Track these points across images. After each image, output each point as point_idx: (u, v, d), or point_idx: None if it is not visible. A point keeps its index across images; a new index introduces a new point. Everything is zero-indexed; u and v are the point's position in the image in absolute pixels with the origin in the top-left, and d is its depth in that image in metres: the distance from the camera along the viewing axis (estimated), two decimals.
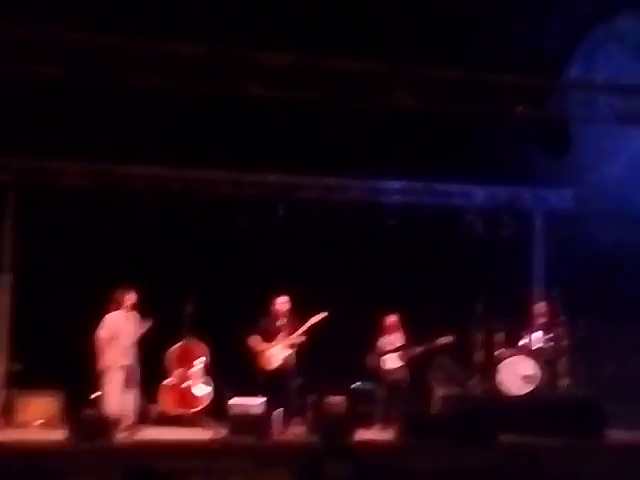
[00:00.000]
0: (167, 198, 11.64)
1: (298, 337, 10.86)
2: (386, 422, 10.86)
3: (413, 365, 11.43)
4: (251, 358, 10.86)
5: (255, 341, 10.82)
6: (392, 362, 11.36)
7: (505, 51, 11.05)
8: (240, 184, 12.05)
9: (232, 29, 10.36)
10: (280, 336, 10.84)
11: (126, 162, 11.56)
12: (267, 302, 11.05)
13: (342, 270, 12.16)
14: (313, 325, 10.84)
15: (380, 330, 11.49)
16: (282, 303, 10.91)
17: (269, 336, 10.86)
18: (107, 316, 10.33)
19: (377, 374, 11.39)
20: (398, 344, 11.41)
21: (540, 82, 10.73)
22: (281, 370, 10.80)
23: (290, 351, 10.83)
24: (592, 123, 11.18)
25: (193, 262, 11.93)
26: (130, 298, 10.37)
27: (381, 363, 11.35)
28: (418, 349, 11.28)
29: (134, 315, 10.42)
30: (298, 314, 10.98)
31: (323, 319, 10.81)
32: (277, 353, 10.82)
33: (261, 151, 11.69)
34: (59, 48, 9.30)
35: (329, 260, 12.19)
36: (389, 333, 11.47)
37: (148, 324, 10.37)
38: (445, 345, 11.24)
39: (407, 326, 11.49)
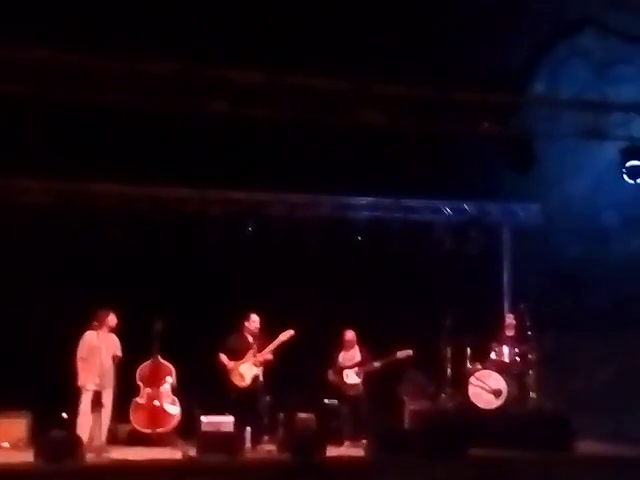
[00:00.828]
0: (134, 216, 11.58)
1: (267, 355, 10.89)
2: (354, 438, 10.84)
3: (372, 380, 11.32)
4: (221, 376, 10.83)
5: (224, 358, 10.82)
6: (352, 377, 11.33)
7: (470, 68, 11.18)
8: (208, 201, 12.03)
9: (199, 47, 10.37)
10: (249, 354, 10.85)
11: (93, 180, 11.49)
12: (235, 319, 11.04)
13: (311, 286, 12.15)
14: (281, 343, 10.91)
15: (340, 345, 11.47)
16: (252, 321, 10.96)
17: (238, 354, 10.88)
18: (85, 334, 10.26)
19: (339, 390, 11.37)
20: (357, 359, 11.39)
21: (505, 98, 10.83)
22: (250, 388, 10.84)
23: (259, 369, 10.86)
24: (557, 139, 11.30)
25: (161, 280, 11.87)
26: (112, 319, 10.33)
27: (342, 378, 11.33)
28: (376, 364, 11.22)
29: (112, 337, 10.36)
30: (266, 331, 11.01)
31: (291, 337, 10.89)
32: (247, 371, 10.84)
33: (229, 168, 11.68)
34: (26, 66, 9.24)
35: (297, 276, 12.18)
36: (348, 348, 11.44)
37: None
38: (405, 359, 11.22)
39: (376, 341, 11.45)
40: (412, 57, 11.10)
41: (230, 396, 10.79)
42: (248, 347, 10.90)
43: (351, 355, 11.43)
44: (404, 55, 11.10)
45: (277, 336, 10.90)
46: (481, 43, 11.50)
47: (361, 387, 11.29)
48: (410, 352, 11.11)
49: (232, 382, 10.81)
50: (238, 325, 11.00)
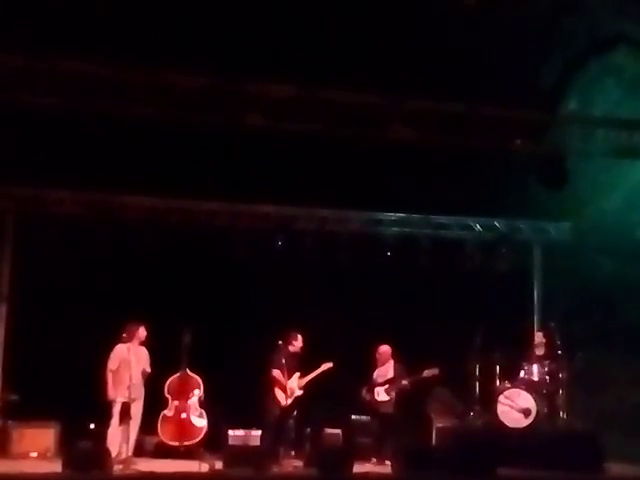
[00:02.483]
0: (165, 229, 11.63)
1: (308, 379, 11.02)
2: (382, 455, 10.77)
3: (402, 398, 11.25)
4: (266, 391, 10.81)
5: (280, 375, 10.86)
6: (382, 395, 11.27)
7: (503, 85, 11.12)
8: (238, 215, 12.07)
9: (232, 60, 10.42)
10: (295, 375, 10.98)
11: (124, 192, 11.58)
12: (264, 335, 11.05)
13: (339, 302, 12.13)
14: (321, 373, 11.05)
15: (374, 362, 11.42)
16: (298, 342, 11.08)
17: (286, 372, 10.94)
18: (116, 347, 10.31)
19: (370, 407, 11.31)
20: (389, 376, 11.32)
21: (538, 116, 10.79)
22: (290, 407, 10.91)
23: (301, 392, 10.92)
24: (590, 157, 11.22)
25: (190, 293, 11.90)
26: (142, 332, 10.38)
27: (373, 395, 11.27)
28: (405, 382, 11.16)
29: (142, 350, 10.40)
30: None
31: (329, 369, 11.02)
32: (294, 390, 10.94)
33: (259, 182, 11.72)
34: (58, 78, 9.34)
35: (326, 291, 12.17)
36: (382, 364, 11.38)
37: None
38: (431, 377, 11.14)
39: (404, 358, 11.41)
40: (444, 73, 11.08)
41: (271, 412, 10.79)
42: (294, 366, 11.00)
43: (384, 371, 11.35)
44: (436, 71, 11.08)
45: (316, 364, 11.03)
46: (513, 60, 11.45)
47: (391, 405, 11.20)
48: (437, 371, 11.04)
49: (277, 400, 10.81)
50: (284, 344, 11.02)
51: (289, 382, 10.91)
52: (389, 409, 11.19)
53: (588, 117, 11.45)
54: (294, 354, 11.05)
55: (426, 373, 11.06)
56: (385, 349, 11.38)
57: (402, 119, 10.16)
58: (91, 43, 9.89)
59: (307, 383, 11.03)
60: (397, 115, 10.16)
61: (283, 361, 10.95)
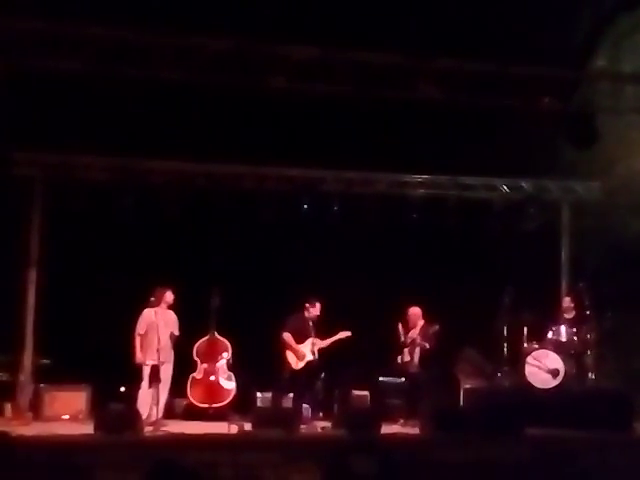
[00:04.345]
0: (191, 192, 11.65)
1: (324, 345, 10.98)
2: (410, 416, 10.81)
3: (426, 359, 11.14)
4: (279, 353, 10.89)
5: (290, 339, 10.88)
6: (407, 356, 11.26)
7: (531, 43, 10.96)
8: (264, 178, 12.05)
9: (256, 23, 10.35)
10: (309, 340, 10.93)
11: (150, 157, 11.59)
12: (292, 297, 11.08)
13: (366, 264, 12.13)
14: (337, 340, 11.01)
15: (405, 324, 11.42)
16: (316, 309, 11.00)
17: (299, 336, 10.92)
18: (144, 311, 10.38)
19: (400, 368, 11.33)
20: (417, 337, 11.28)
21: (566, 73, 10.64)
22: (303, 370, 10.91)
23: (315, 356, 10.92)
24: (619, 114, 11.06)
25: (217, 257, 11.95)
26: (169, 296, 10.43)
27: (403, 357, 11.28)
28: (423, 343, 11.09)
29: (170, 313, 10.48)
30: (322, 310, 11.04)
31: (347, 337, 10.99)
32: (305, 354, 10.89)
33: (285, 145, 11.67)
34: (84, 43, 9.35)
35: (353, 254, 12.17)
36: (412, 326, 11.34)
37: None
38: (435, 334, 11.03)
39: (433, 319, 11.39)
40: (470, 32, 10.93)
41: (283, 374, 10.85)
42: (308, 331, 10.96)
43: (414, 333, 11.33)
44: (462, 29, 10.93)
45: (337, 329, 11.00)
46: (541, 17, 11.27)
47: (417, 365, 11.20)
48: (437, 327, 10.94)
49: (288, 362, 10.86)
50: (300, 308, 11.02)
51: (301, 346, 10.90)
52: (415, 370, 11.19)
53: (617, 74, 11.26)
54: (311, 319, 11.00)
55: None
56: (414, 311, 11.34)
57: (428, 79, 10.07)
58: (117, 7, 9.85)
59: (321, 349, 11.00)
60: (423, 75, 10.06)
61: (297, 325, 10.95)
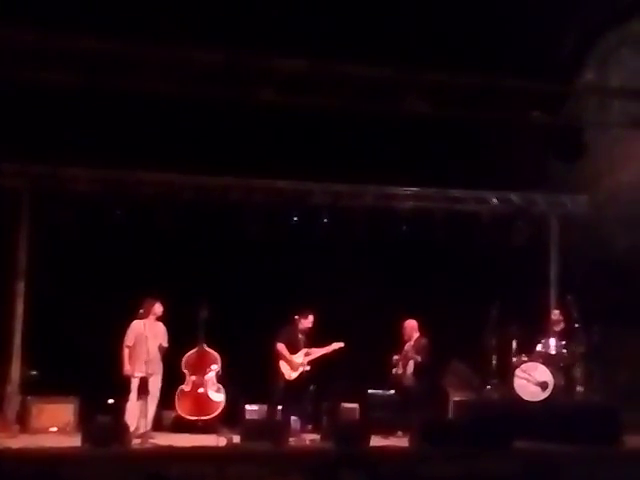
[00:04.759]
0: (180, 205, 11.65)
1: (315, 355, 11.03)
2: (399, 429, 10.79)
3: (419, 372, 11.19)
4: (270, 364, 10.88)
5: (284, 349, 10.89)
6: (400, 368, 11.27)
7: (519, 56, 11.02)
8: (253, 190, 12.05)
9: (244, 35, 10.37)
10: (301, 352, 11.00)
11: (138, 169, 11.58)
12: (281, 310, 11.09)
13: (354, 276, 12.12)
14: (330, 351, 11.07)
15: (402, 335, 11.40)
16: (307, 320, 11.07)
17: (291, 348, 10.96)
18: (133, 323, 10.37)
19: (393, 380, 11.33)
20: (410, 349, 11.29)
21: (554, 87, 10.68)
22: (296, 381, 10.94)
23: (307, 367, 10.96)
24: (607, 128, 11.12)
25: (206, 269, 11.93)
26: (158, 308, 10.42)
27: (396, 369, 11.28)
28: (414, 356, 11.13)
29: (159, 325, 10.45)
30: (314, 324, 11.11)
31: (340, 349, 11.04)
32: (299, 365, 10.92)
33: (274, 157, 11.69)
34: (73, 55, 9.33)
35: (341, 266, 12.17)
36: (408, 339, 11.34)
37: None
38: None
39: (422, 332, 11.41)
40: (458, 45, 10.98)
41: (276, 385, 10.85)
42: (300, 343, 11.03)
43: (408, 346, 11.33)
44: (450, 43, 10.98)
45: (328, 341, 11.06)
46: (530, 31, 11.34)
47: (409, 378, 11.20)
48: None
49: (281, 372, 10.87)
50: (292, 320, 11.05)
51: (294, 357, 10.93)
52: (409, 382, 11.20)
53: (605, 88, 11.32)
54: (303, 331, 11.07)
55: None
56: (410, 323, 11.38)
57: (417, 92, 10.09)
58: (106, 20, 9.86)
59: (314, 360, 11.03)
60: (412, 88, 10.08)
61: (290, 336, 10.99)
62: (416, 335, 11.31)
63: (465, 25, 11.12)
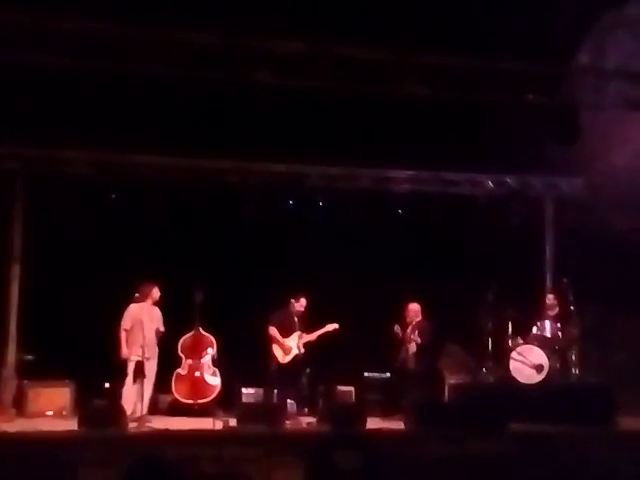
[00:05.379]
0: (176, 187, 11.62)
1: (310, 339, 11.08)
2: (396, 411, 10.83)
3: (420, 354, 11.24)
4: (264, 347, 10.91)
5: (276, 332, 10.91)
6: (402, 351, 11.29)
7: (515, 38, 10.96)
8: (249, 173, 12.03)
9: (242, 17, 10.30)
10: (295, 334, 11.07)
11: (134, 152, 11.54)
12: (277, 293, 11.10)
13: (350, 259, 12.13)
14: (324, 333, 11.16)
15: (403, 319, 11.40)
16: (301, 304, 11.13)
17: (284, 331, 10.97)
18: (130, 307, 10.38)
19: (399, 363, 11.34)
20: (411, 332, 11.30)
21: (550, 69, 10.65)
22: (289, 364, 11.01)
23: (300, 350, 11.00)
24: (602, 110, 11.10)
25: (202, 252, 11.92)
26: (156, 292, 10.43)
27: (399, 352, 11.30)
28: (415, 338, 11.15)
29: (155, 309, 10.46)
30: (309, 307, 11.18)
31: (334, 330, 11.13)
32: (291, 348, 10.95)
33: (270, 140, 11.64)
34: (68, 37, 9.25)
35: (336, 249, 12.17)
36: (410, 322, 11.35)
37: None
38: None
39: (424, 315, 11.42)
40: (454, 27, 10.93)
41: (270, 368, 10.89)
42: (293, 326, 11.07)
43: (410, 329, 11.34)
44: (446, 25, 10.93)
45: (323, 324, 11.15)
46: (526, 12, 11.29)
47: (409, 360, 11.21)
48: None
49: (274, 356, 10.90)
50: (286, 303, 11.09)
51: (287, 340, 10.97)
52: (409, 365, 11.22)
53: (601, 70, 11.29)
54: (296, 314, 11.13)
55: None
56: (413, 307, 11.40)
57: (413, 74, 10.05)
58: (100, 1, 9.78)
59: (309, 343, 11.06)
60: (408, 70, 10.04)
61: (283, 319, 11.03)
62: (418, 319, 11.33)
63: (461, 7, 11.05)
